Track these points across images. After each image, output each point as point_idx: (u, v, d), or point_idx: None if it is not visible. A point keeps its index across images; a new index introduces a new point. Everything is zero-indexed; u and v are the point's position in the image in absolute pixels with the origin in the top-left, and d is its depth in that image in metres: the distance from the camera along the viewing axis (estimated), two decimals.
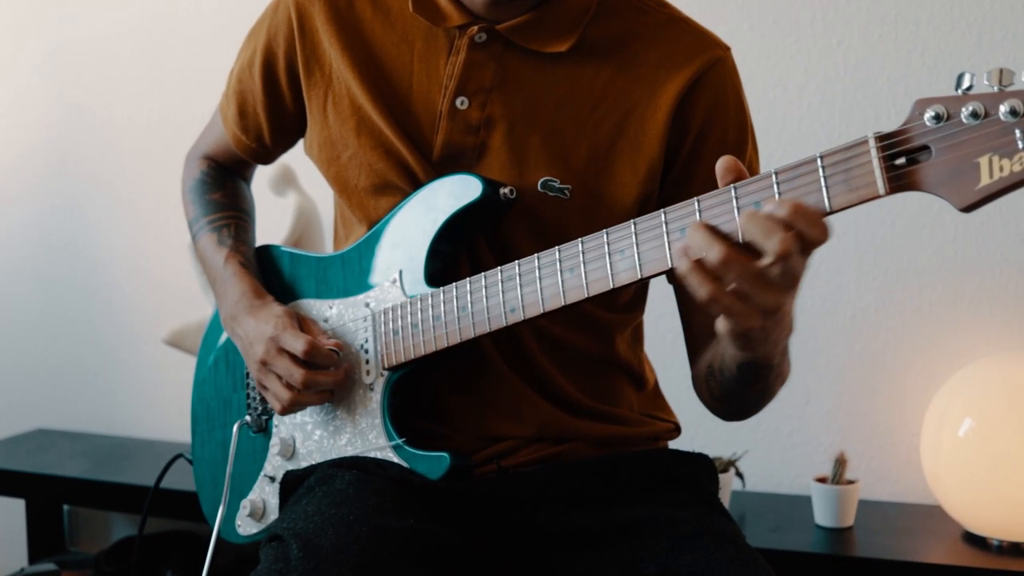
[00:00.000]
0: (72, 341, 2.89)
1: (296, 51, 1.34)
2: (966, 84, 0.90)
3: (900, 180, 0.92)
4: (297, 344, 1.27)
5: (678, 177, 1.28)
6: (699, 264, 0.96)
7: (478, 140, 1.27)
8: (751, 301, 0.96)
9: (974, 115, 0.88)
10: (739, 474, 2.08)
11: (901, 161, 0.92)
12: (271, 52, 1.38)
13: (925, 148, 0.91)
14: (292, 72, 1.36)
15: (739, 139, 1.30)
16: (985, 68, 0.89)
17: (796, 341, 1.24)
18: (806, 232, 0.93)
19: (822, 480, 2.02)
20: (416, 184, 1.28)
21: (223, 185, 1.52)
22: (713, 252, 0.95)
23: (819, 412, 2.22)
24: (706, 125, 1.27)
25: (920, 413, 2.05)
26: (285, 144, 1.47)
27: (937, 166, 0.90)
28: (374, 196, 1.32)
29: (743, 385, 1.17)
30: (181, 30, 2.71)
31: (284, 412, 1.31)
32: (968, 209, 0.90)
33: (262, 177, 2.03)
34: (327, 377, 1.28)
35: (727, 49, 1.30)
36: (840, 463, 2.00)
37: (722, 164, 1.00)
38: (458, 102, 1.26)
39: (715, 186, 1.01)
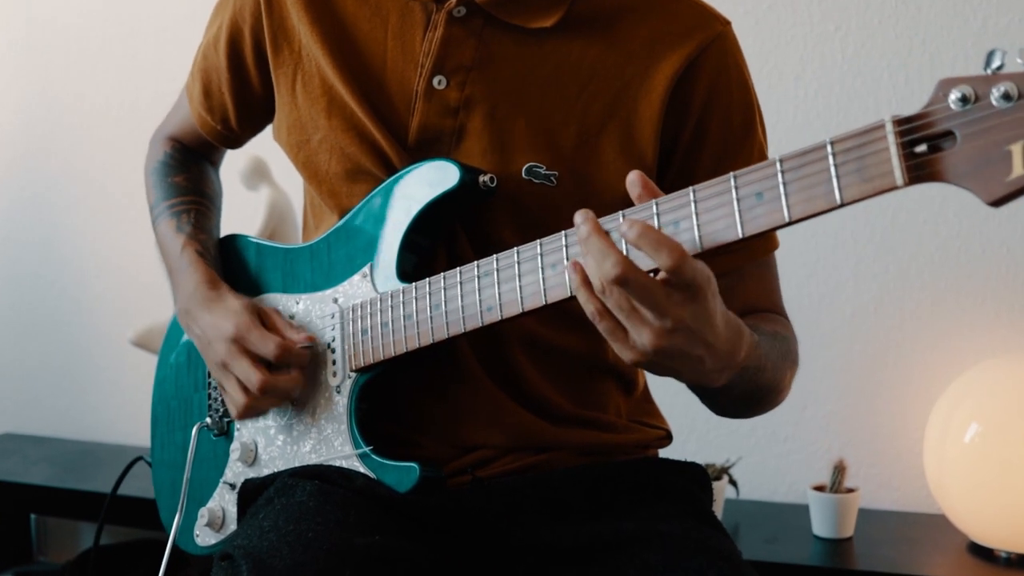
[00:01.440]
0: (39, 342, 2.87)
1: (263, 27, 1.30)
2: (997, 63, 0.81)
3: (921, 169, 0.84)
4: (266, 347, 1.22)
5: (680, 168, 1.22)
6: (588, 283, 0.96)
7: (456, 123, 1.21)
8: (629, 336, 0.95)
9: (1006, 97, 0.80)
10: (733, 482, 2.07)
11: (922, 148, 0.84)
12: (237, 28, 1.33)
13: (949, 134, 0.83)
14: (259, 49, 1.32)
15: (745, 122, 1.24)
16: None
17: None
18: (655, 259, 0.91)
19: (820, 488, 2.00)
20: (390, 170, 1.23)
21: (187, 168, 1.49)
22: (596, 280, 0.94)
23: (817, 416, 2.20)
24: (707, 108, 1.21)
25: (923, 417, 2.04)
26: (253, 127, 1.43)
27: (963, 154, 0.82)
28: (346, 182, 1.27)
29: (707, 399, 1.18)
30: (153, 16, 2.69)
31: (240, 417, 1.27)
32: (998, 203, 0.81)
33: (233, 170, 1.99)
34: (285, 380, 1.23)
35: (727, 23, 1.24)
36: (839, 470, 1.99)
37: (630, 178, 0.98)
38: (435, 81, 1.21)
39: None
